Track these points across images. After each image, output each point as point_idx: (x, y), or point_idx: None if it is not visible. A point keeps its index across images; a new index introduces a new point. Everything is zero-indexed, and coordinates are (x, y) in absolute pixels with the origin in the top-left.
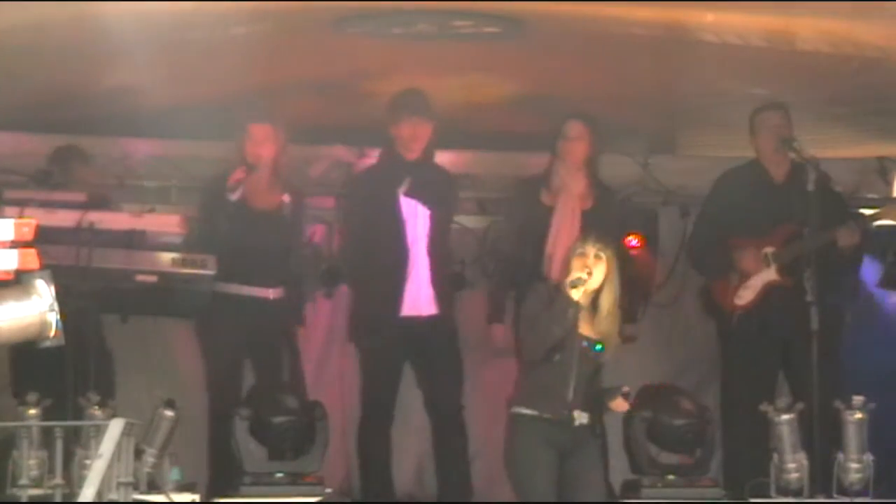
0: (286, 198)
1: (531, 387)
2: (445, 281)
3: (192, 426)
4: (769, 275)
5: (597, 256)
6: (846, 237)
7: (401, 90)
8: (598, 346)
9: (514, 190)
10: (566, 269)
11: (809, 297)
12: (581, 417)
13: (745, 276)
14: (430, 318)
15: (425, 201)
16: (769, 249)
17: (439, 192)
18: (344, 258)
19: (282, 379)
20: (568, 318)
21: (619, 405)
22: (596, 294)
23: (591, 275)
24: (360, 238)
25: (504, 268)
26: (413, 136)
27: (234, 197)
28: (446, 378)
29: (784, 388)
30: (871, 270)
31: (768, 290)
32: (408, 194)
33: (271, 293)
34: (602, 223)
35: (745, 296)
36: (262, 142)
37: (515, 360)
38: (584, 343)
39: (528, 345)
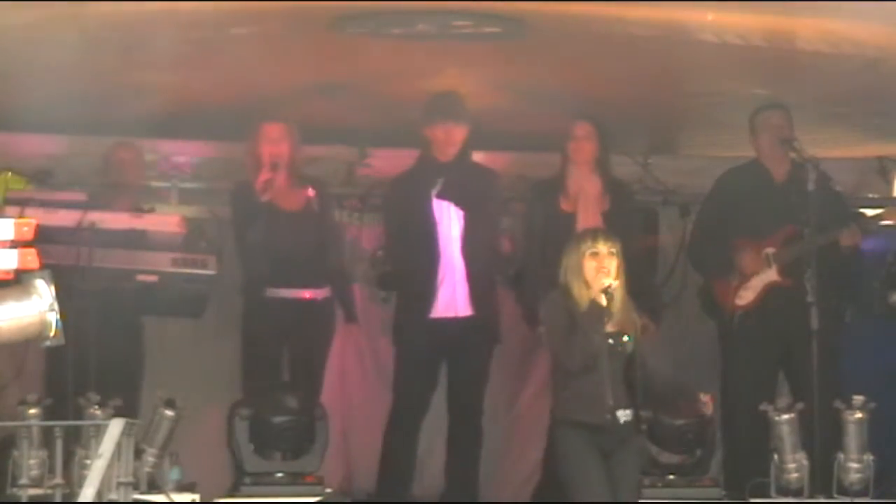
0: (311, 192)
1: (571, 394)
2: (483, 282)
3: (193, 426)
4: (770, 275)
5: (610, 254)
6: (847, 237)
7: (435, 92)
8: (627, 337)
9: (529, 194)
10: (567, 270)
11: (810, 298)
12: (625, 416)
13: (745, 277)
14: (466, 319)
15: (458, 202)
16: (770, 250)
17: (475, 193)
18: (388, 261)
19: (283, 379)
20: (602, 325)
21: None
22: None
23: (614, 277)
24: (397, 241)
25: (534, 273)
26: (446, 139)
27: (265, 198)
28: (473, 379)
29: (784, 387)
30: (871, 270)
31: (769, 291)
32: (440, 196)
33: (308, 293)
34: (622, 222)
35: (746, 296)
36: (278, 140)
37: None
38: (611, 340)
39: (567, 356)
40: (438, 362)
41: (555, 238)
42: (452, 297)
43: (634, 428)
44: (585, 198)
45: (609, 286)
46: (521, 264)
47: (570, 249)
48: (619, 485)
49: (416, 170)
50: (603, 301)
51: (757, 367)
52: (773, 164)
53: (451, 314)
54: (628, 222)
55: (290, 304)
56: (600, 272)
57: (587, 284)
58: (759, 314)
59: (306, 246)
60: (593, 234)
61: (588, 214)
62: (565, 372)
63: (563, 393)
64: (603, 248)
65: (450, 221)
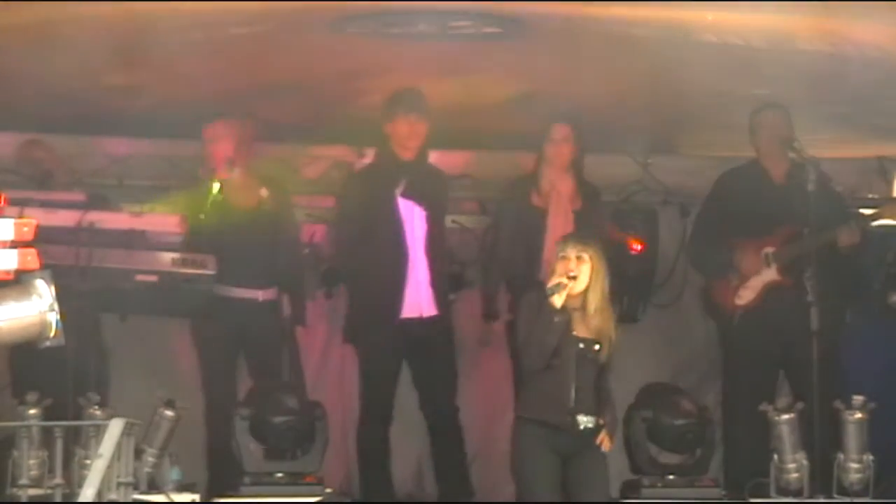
0: (264, 192)
1: (533, 392)
2: (444, 282)
3: (192, 426)
4: (770, 275)
5: (579, 258)
6: (846, 237)
7: (397, 89)
8: (598, 346)
9: (504, 191)
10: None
11: (810, 298)
12: (586, 422)
13: (745, 276)
14: (430, 319)
15: (421, 202)
16: (769, 249)
17: (434, 193)
18: (341, 258)
19: (281, 379)
20: (556, 325)
21: None
22: (584, 294)
23: (573, 278)
24: (357, 239)
25: (498, 268)
26: (410, 134)
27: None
28: (443, 379)
29: (784, 387)
30: (871, 270)
31: (769, 290)
32: (405, 195)
33: (260, 294)
34: (592, 222)
35: (746, 296)
36: (218, 140)
37: (510, 362)
38: (581, 345)
39: (526, 354)
40: (401, 362)
41: (525, 232)
42: (417, 297)
43: (596, 435)
44: (557, 196)
45: (558, 285)
46: (486, 259)
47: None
48: (580, 489)
49: (376, 167)
50: (555, 300)
51: (757, 366)
52: (773, 165)
53: (415, 314)
54: (598, 222)
55: (240, 303)
56: (563, 273)
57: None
58: (759, 314)
59: (257, 245)
60: (565, 238)
61: (559, 211)
62: (528, 370)
63: (526, 391)
64: (571, 251)
65: (413, 221)
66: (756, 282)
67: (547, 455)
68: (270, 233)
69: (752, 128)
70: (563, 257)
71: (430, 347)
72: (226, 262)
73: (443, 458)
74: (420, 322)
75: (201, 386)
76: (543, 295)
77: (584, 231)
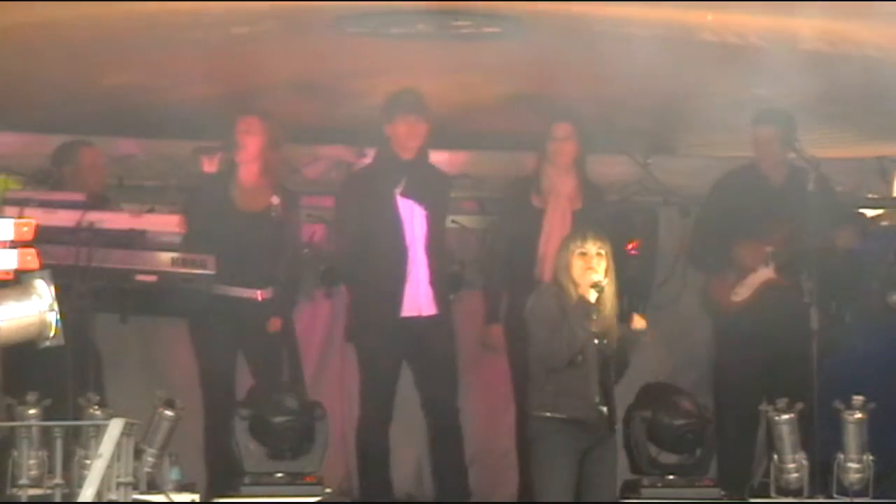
0: (274, 200)
1: (555, 390)
2: (444, 281)
3: (192, 426)
4: (767, 273)
5: (598, 254)
6: (845, 238)
7: (396, 89)
8: (605, 340)
9: (504, 191)
10: (557, 269)
11: (806, 298)
12: (607, 413)
13: (743, 273)
14: (430, 319)
15: (421, 201)
16: (769, 249)
17: (435, 192)
18: (341, 258)
19: (280, 379)
20: (590, 321)
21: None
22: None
23: (603, 275)
24: (357, 238)
25: (499, 269)
26: (409, 134)
27: (206, 168)
28: (443, 379)
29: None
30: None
31: (765, 289)
32: (404, 195)
33: (260, 294)
34: (592, 223)
35: (742, 293)
36: (248, 132)
37: (509, 361)
38: (596, 340)
39: (549, 353)
40: (401, 361)
41: (524, 232)
42: (416, 296)
43: (611, 424)
44: (557, 195)
45: (598, 282)
46: (486, 261)
47: (561, 249)
48: (597, 481)
49: (376, 167)
50: (591, 297)
51: (750, 363)
52: (771, 170)
53: (415, 313)
54: (599, 223)
55: (238, 302)
56: (588, 270)
57: (575, 282)
58: (754, 311)
59: (260, 248)
60: (582, 234)
61: (557, 211)
62: (547, 368)
63: (542, 390)
64: (591, 247)
65: (413, 220)
66: (754, 279)
67: (569, 453)
68: (274, 236)
69: (753, 137)
70: (583, 253)
71: (430, 347)
72: (226, 262)
73: (441, 458)
74: (420, 321)
75: (200, 385)
76: (555, 294)
77: (596, 227)
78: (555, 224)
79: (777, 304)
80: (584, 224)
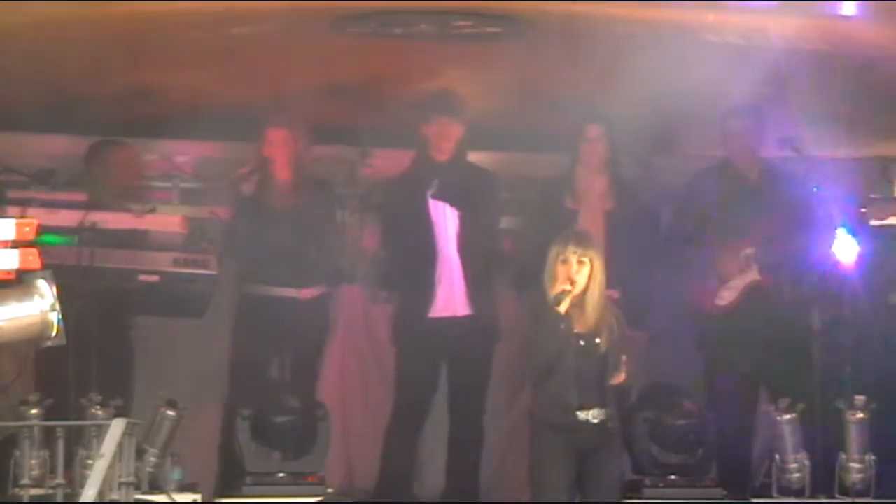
0: (307, 201)
1: (543, 394)
2: (483, 281)
3: (194, 426)
4: (751, 275)
5: (580, 262)
6: (824, 238)
7: (431, 90)
8: (598, 339)
9: (536, 192)
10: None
11: (790, 298)
12: (597, 416)
13: (725, 278)
14: (465, 319)
15: (454, 203)
16: (749, 251)
17: (471, 193)
18: (381, 261)
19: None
20: (560, 331)
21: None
22: (583, 295)
23: (574, 283)
24: (395, 241)
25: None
26: (441, 135)
27: (244, 189)
28: (474, 379)
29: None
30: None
31: (751, 291)
32: (436, 196)
33: (301, 293)
34: (625, 223)
35: (727, 296)
36: (277, 145)
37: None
38: (581, 342)
39: (529, 358)
40: (438, 362)
41: (556, 234)
42: (451, 296)
43: (610, 427)
44: (589, 196)
45: (562, 291)
46: (524, 263)
47: (548, 255)
48: (599, 484)
49: (412, 170)
50: (560, 306)
51: (739, 366)
52: (744, 165)
53: (449, 314)
54: (634, 222)
55: (284, 302)
56: (566, 278)
57: (553, 289)
58: (740, 314)
59: (301, 246)
60: (565, 241)
61: (590, 212)
62: (537, 372)
63: (539, 393)
64: (572, 256)
65: (446, 221)
66: (738, 282)
67: (560, 455)
68: (314, 233)
69: (720, 131)
70: (564, 261)
71: (465, 347)
72: (267, 263)
73: (458, 457)
74: (455, 321)
75: (228, 382)
76: (544, 300)
77: (584, 232)
78: (588, 225)
79: (764, 305)
80: (570, 230)
